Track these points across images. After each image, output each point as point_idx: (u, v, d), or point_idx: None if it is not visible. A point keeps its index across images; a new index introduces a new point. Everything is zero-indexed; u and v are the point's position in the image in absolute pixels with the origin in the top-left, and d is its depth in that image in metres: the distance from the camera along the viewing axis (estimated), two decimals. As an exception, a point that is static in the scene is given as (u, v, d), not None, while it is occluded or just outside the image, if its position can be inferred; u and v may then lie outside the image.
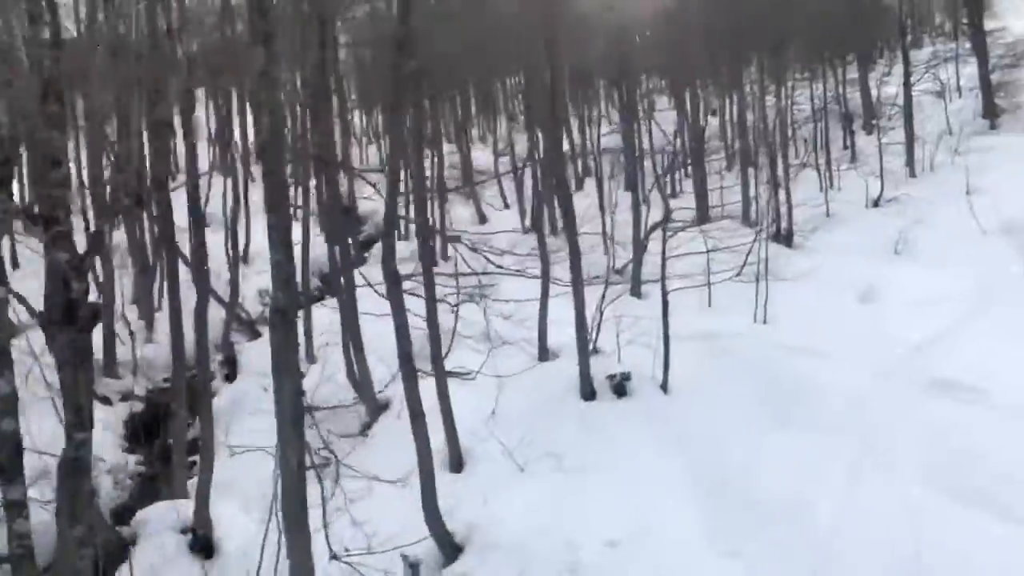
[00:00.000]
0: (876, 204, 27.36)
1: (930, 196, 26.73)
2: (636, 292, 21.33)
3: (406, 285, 12.01)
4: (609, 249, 23.84)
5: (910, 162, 30.45)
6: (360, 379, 16.08)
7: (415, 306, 12.57)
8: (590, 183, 33.30)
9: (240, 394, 18.42)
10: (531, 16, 18.75)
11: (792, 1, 33.34)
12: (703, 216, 28.63)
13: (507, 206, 36.02)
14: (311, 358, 19.66)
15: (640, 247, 21.29)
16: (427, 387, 12.64)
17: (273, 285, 7.86)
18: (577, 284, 15.28)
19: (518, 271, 16.92)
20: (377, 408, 15.88)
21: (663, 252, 15.82)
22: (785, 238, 24.55)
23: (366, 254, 30.56)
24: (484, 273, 17.03)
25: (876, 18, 37.96)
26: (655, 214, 24.80)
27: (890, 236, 23.07)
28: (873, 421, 12.73)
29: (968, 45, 37.21)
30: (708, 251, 19.65)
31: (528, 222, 29.05)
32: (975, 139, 32.24)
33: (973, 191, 25.79)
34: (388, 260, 11.04)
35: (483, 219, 34.36)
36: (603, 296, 17.19)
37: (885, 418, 12.76)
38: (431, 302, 13.02)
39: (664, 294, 15.17)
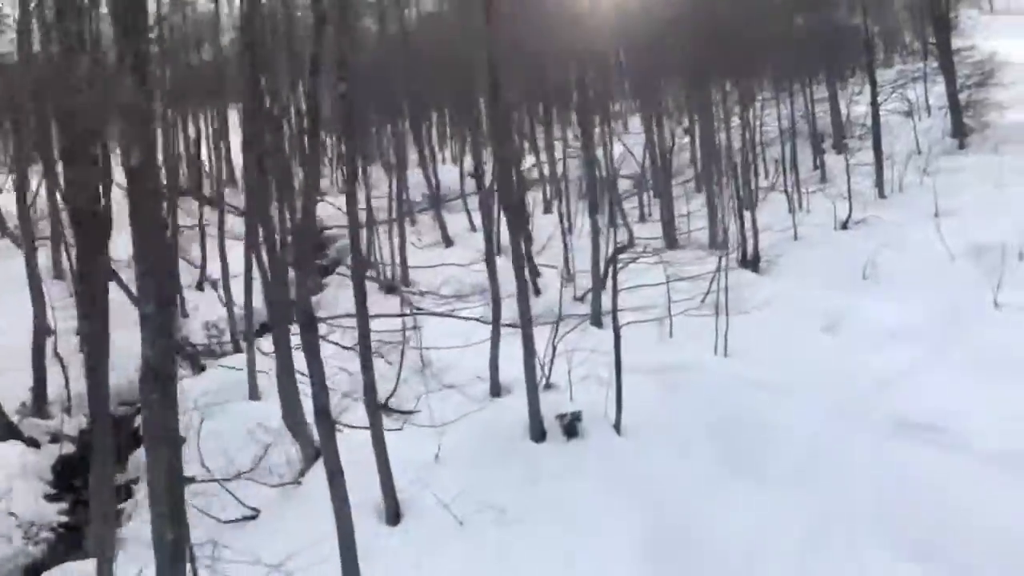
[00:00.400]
0: (845, 226, 26.82)
1: (899, 218, 26.26)
2: (597, 322, 20.53)
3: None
4: (564, 278, 23.12)
5: (879, 183, 30.04)
6: (295, 421, 15.10)
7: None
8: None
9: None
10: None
11: (760, 23, 33.21)
12: (671, 242, 28.00)
13: (474, 229, 35.24)
14: (255, 395, 18.74)
15: (598, 276, 20.49)
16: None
17: (143, 342, 6.94)
18: (525, 317, 14.42)
19: (452, 311, 16.01)
20: (314, 453, 14.88)
21: (614, 284, 14.99)
22: (751, 263, 23.92)
23: (326, 280, 29.77)
24: (416, 313, 16.13)
25: (844, 38, 37.70)
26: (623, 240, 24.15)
27: (858, 260, 22.47)
28: (835, 472, 11.94)
29: (936, 64, 37.01)
30: (668, 281, 18.88)
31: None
32: (944, 159, 31.91)
33: (942, 213, 25.36)
34: (302, 301, 10.13)
35: (449, 243, 33.51)
36: (555, 329, 16.36)
37: (847, 468, 11.99)
38: (364, 344, 12.13)
39: (616, 328, 14.33)
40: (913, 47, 49.91)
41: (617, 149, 33.92)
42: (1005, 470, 11.43)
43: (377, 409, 12.33)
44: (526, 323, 14.34)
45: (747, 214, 24.32)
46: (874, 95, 30.85)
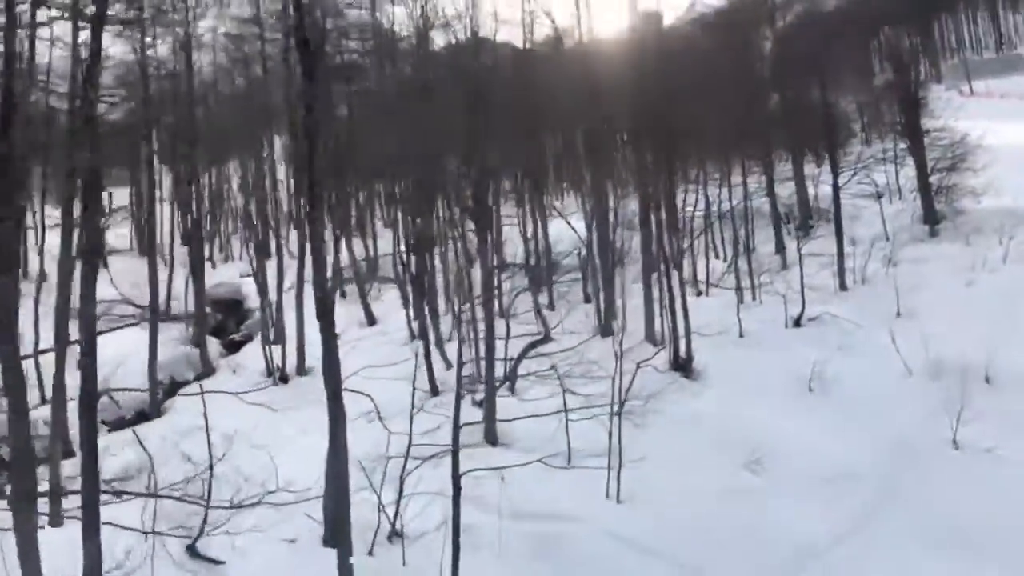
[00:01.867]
0: (797, 323, 23.79)
1: (858, 315, 23.27)
2: (491, 437, 17.25)
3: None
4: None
5: (840, 273, 27.13)
6: None
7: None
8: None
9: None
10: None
11: (727, 104, 30.90)
12: (605, 331, 24.96)
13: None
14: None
15: (493, 382, 17.28)
16: None
17: None
18: (336, 435, 10.77)
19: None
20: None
21: (457, 407, 11.60)
22: (682, 366, 20.75)
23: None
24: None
25: (813, 115, 35.35)
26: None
27: (805, 368, 19.42)
28: None
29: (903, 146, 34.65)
30: (564, 391, 15.77)
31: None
32: (912, 247, 29.29)
33: (904, 313, 22.50)
34: None
35: (372, 321, 30.38)
36: (404, 461, 13.05)
37: None
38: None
39: (456, 478, 10.97)
40: (882, 125, 47.83)
41: (558, 225, 31.37)
42: None
43: None
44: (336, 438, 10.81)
45: (680, 307, 21.20)
46: (835, 177, 28.18)
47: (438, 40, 32.99)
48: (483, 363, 18.24)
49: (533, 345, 20.22)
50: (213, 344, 28.53)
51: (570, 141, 39.78)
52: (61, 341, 16.40)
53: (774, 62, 37.15)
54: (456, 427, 11.20)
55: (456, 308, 23.10)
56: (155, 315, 22.62)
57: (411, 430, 13.13)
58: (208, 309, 29.85)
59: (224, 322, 33.58)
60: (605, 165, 29.37)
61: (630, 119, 25.63)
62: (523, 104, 29.77)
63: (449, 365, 21.58)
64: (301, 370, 23.74)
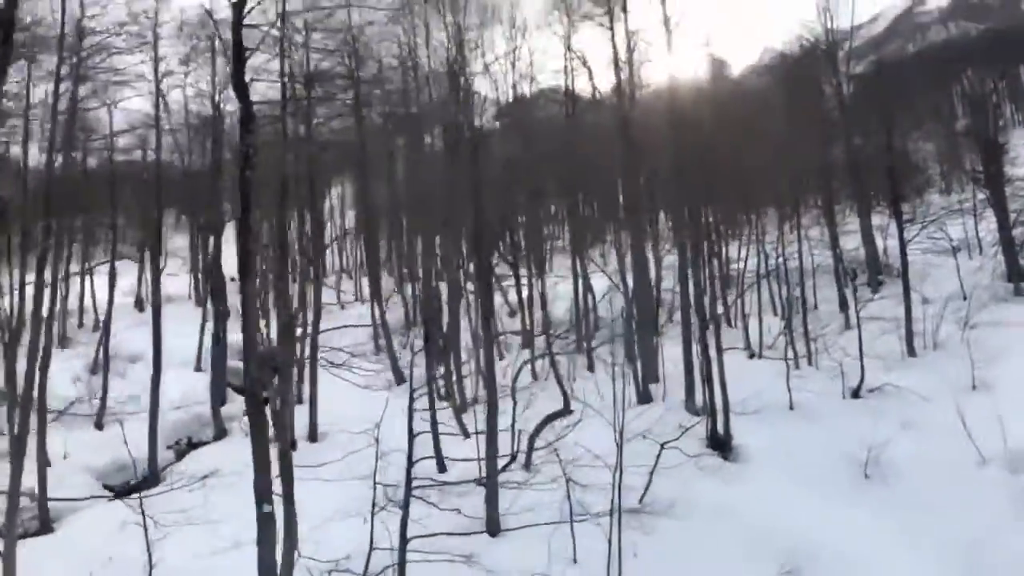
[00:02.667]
0: (856, 394, 21.28)
1: (926, 387, 20.60)
2: (492, 527, 15.36)
3: None
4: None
5: (907, 337, 24.39)
6: None
7: None
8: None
9: None
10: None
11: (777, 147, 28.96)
12: (643, 398, 22.95)
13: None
14: None
15: (495, 472, 15.40)
16: None
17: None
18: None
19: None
20: None
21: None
22: (720, 443, 18.50)
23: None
24: None
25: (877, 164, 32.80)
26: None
27: (861, 448, 17.02)
28: None
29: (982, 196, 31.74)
30: (567, 481, 13.86)
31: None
32: (993, 308, 26.31)
33: (980, 386, 19.91)
34: None
35: (401, 380, 28.92)
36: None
37: None
38: None
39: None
40: (962, 173, 44.52)
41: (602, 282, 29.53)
42: None
43: None
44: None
45: (718, 376, 19.01)
46: (900, 231, 25.61)
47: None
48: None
49: (551, 418, 18.35)
50: (237, 403, 27.66)
51: (609, 196, 38.11)
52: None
53: (844, 109, 34.70)
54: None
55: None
56: (157, 375, 21.80)
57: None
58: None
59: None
60: (646, 217, 27.60)
61: (675, 169, 23.68)
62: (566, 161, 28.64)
63: (467, 435, 19.94)
64: (313, 436, 22.52)
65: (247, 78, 9.76)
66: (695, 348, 21.22)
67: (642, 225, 27.38)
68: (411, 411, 13.34)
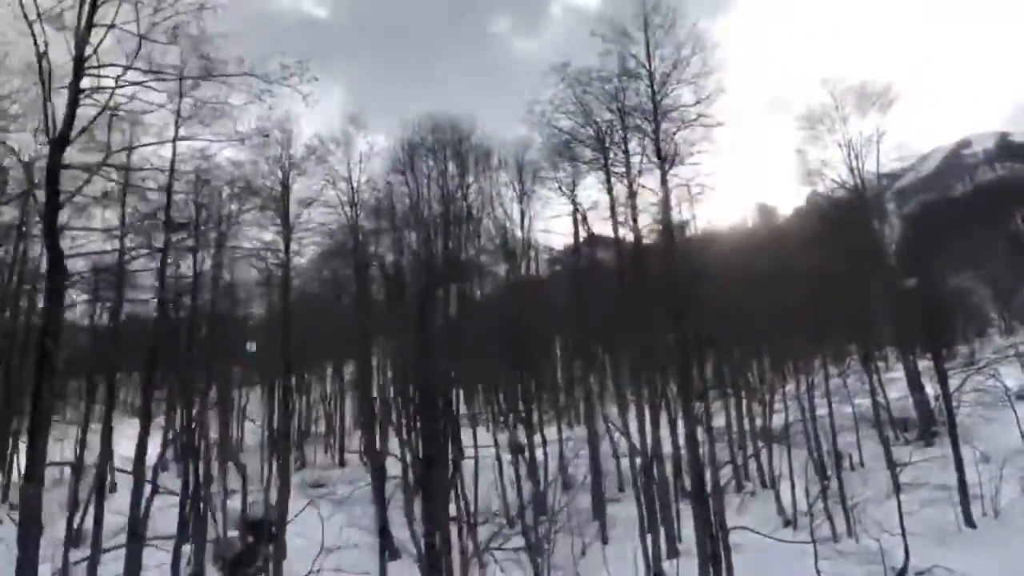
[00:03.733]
0: (899, 580, 18.03)
1: (987, 568, 17.33)
2: None
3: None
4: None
5: (964, 503, 21.08)
6: None
7: None
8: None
9: None
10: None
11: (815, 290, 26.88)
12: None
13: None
14: None
15: None
16: None
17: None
18: None
19: None
20: None
21: None
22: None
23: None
24: None
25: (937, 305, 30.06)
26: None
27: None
28: None
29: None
30: None
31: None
32: (1064, 466, 22.91)
33: (1051, 572, 16.56)
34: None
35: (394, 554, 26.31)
36: None
37: None
38: None
39: None
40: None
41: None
42: None
43: None
44: None
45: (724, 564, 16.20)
46: (943, 380, 22.82)
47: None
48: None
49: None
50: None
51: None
52: None
53: (881, 249, 32.49)
54: None
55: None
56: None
57: None
58: (237, 532, 27.66)
59: (255, 547, 30.55)
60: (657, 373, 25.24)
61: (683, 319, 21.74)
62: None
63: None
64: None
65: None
66: (713, 522, 18.45)
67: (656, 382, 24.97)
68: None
